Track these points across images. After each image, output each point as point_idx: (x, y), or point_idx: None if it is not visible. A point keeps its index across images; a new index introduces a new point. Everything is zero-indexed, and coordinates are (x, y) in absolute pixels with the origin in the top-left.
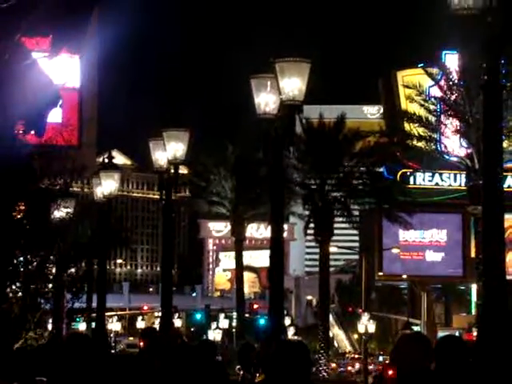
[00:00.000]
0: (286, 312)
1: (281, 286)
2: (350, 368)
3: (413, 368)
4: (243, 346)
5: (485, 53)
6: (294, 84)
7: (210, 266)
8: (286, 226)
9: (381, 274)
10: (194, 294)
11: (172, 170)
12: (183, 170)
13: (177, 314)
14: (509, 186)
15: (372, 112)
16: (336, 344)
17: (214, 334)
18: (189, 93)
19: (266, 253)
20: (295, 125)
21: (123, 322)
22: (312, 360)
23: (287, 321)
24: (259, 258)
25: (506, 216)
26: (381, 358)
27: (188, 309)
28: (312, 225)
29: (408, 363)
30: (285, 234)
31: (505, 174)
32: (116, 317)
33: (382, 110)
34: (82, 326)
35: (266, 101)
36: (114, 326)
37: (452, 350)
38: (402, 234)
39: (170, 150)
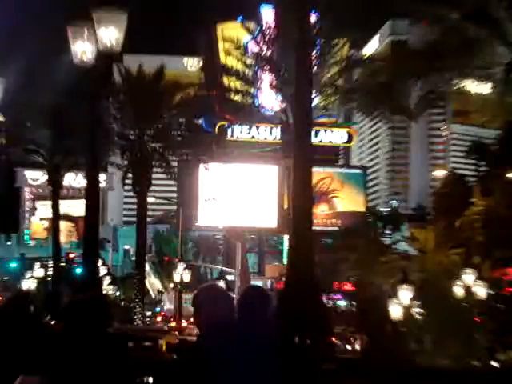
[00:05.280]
0: (102, 261)
1: (96, 235)
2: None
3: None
4: (49, 295)
5: (296, 9)
6: (111, 34)
7: (26, 215)
8: (104, 176)
9: (197, 224)
10: (10, 243)
11: None
12: None
13: None
14: (321, 141)
15: (192, 64)
16: (152, 292)
17: (29, 284)
18: None
19: (84, 202)
20: (112, 75)
21: None
22: (110, 314)
23: (103, 270)
24: (77, 208)
25: (318, 169)
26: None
27: (3, 257)
28: (130, 175)
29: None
30: (103, 184)
31: (317, 128)
32: None
33: (201, 62)
34: None
35: (82, 49)
36: None
37: (250, 299)
38: (218, 186)
39: None
